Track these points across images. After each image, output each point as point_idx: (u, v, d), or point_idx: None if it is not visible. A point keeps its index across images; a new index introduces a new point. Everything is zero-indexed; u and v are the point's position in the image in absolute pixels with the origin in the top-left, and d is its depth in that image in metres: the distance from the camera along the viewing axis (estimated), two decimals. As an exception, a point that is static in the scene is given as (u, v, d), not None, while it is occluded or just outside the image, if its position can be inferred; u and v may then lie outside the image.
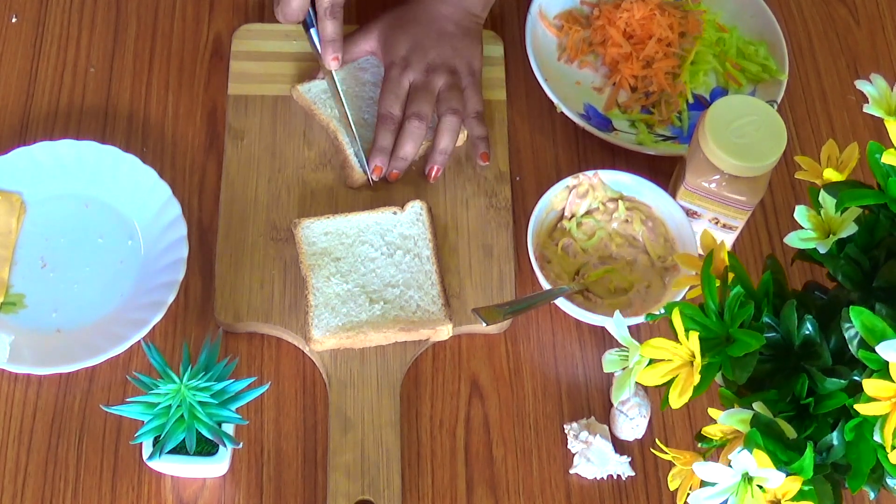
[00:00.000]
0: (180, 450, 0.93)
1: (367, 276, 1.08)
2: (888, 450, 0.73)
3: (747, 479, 0.75)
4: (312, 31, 1.14)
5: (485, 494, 1.02)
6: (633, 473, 1.03)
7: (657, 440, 1.00)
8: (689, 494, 0.79)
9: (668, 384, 0.78)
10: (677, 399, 0.77)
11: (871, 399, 0.72)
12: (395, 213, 1.11)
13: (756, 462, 0.74)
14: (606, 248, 1.11)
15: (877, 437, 0.74)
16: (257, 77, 1.19)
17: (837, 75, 1.27)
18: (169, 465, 0.97)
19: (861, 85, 0.83)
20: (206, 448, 0.96)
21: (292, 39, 1.21)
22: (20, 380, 1.04)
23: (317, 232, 1.10)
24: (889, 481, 0.78)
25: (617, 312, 0.82)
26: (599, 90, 1.23)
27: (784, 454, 0.75)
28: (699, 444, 0.81)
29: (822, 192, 0.84)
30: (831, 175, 0.84)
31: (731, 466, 0.75)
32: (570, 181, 1.11)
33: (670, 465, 0.81)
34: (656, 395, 1.05)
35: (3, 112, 1.17)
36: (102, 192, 1.12)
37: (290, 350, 1.07)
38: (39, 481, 1.00)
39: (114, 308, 1.06)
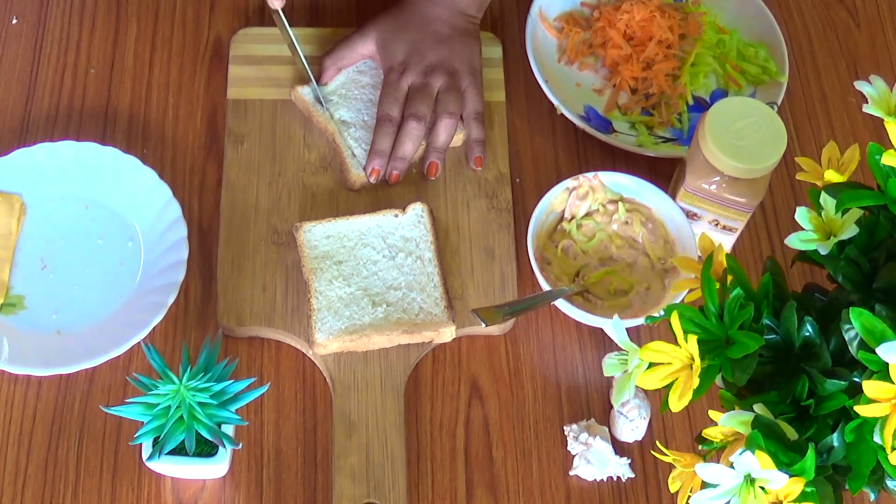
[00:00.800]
0: (180, 451, 0.93)
1: (370, 279, 1.08)
2: (888, 451, 0.73)
3: (750, 480, 0.75)
4: None
5: (484, 496, 1.02)
6: (632, 475, 1.03)
7: (657, 442, 1.00)
8: (689, 497, 0.79)
9: (668, 387, 0.78)
10: (677, 402, 0.77)
11: (871, 400, 0.72)
12: (396, 215, 1.11)
13: (759, 463, 0.73)
14: (606, 249, 1.11)
15: (877, 439, 0.74)
16: (256, 81, 1.19)
17: (837, 77, 1.27)
18: (168, 466, 0.97)
19: (861, 86, 0.83)
20: (206, 449, 0.96)
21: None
22: (20, 381, 1.04)
23: (318, 235, 1.10)
24: (889, 483, 0.78)
25: (616, 316, 0.82)
26: (599, 92, 1.23)
27: (785, 456, 0.75)
28: (699, 447, 0.81)
29: (822, 193, 0.84)
30: (832, 176, 0.84)
31: (733, 468, 0.75)
32: (570, 183, 1.11)
33: (670, 467, 0.81)
34: (656, 397, 1.05)
35: (3, 113, 1.17)
36: (102, 194, 1.12)
37: (289, 351, 1.07)
38: (39, 482, 1.00)
39: (114, 309, 1.06)
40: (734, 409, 0.79)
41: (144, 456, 0.94)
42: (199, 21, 1.25)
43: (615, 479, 1.03)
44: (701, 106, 1.22)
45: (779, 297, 0.83)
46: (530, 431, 1.05)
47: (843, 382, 0.77)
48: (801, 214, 0.84)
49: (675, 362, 0.78)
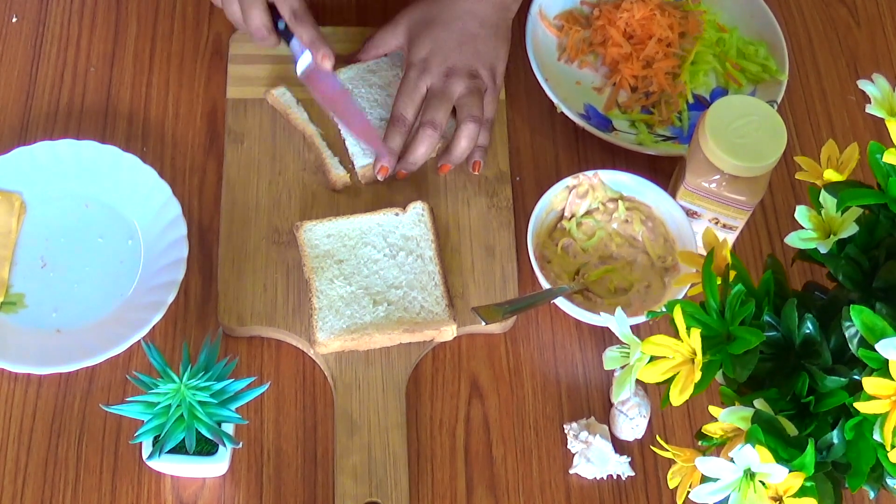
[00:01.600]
0: (180, 449, 0.93)
1: (371, 278, 1.08)
2: (888, 448, 0.74)
3: (750, 474, 0.75)
4: (293, 41, 1.13)
5: (485, 494, 1.01)
6: (632, 473, 1.03)
7: (658, 437, 1.00)
8: (688, 492, 0.79)
9: (669, 382, 0.78)
10: (678, 396, 0.77)
11: (870, 397, 0.73)
12: (396, 214, 1.11)
13: (759, 458, 0.74)
14: (606, 248, 1.11)
15: (876, 436, 0.74)
16: (255, 80, 1.19)
17: (837, 75, 1.27)
18: (168, 465, 0.97)
19: (863, 85, 0.83)
20: (206, 448, 0.96)
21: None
22: (20, 380, 1.04)
23: (319, 234, 1.10)
24: (889, 480, 0.78)
25: (619, 308, 0.82)
26: (599, 90, 1.23)
27: (785, 451, 0.75)
28: (699, 442, 0.81)
29: (822, 192, 0.84)
30: (832, 175, 0.84)
31: (733, 462, 0.75)
32: (570, 181, 1.11)
33: (670, 464, 0.81)
34: (656, 396, 1.05)
35: (3, 112, 1.17)
36: (102, 192, 1.12)
37: (289, 350, 1.07)
38: (39, 481, 1.00)
39: (114, 308, 1.06)
40: (734, 405, 0.79)
41: (144, 455, 0.94)
42: (199, 20, 1.25)
43: (615, 477, 1.03)
44: (701, 104, 1.22)
45: (779, 294, 0.83)
46: (530, 430, 1.05)
47: (843, 380, 0.77)
48: (801, 213, 0.84)
49: (677, 356, 0.78)
